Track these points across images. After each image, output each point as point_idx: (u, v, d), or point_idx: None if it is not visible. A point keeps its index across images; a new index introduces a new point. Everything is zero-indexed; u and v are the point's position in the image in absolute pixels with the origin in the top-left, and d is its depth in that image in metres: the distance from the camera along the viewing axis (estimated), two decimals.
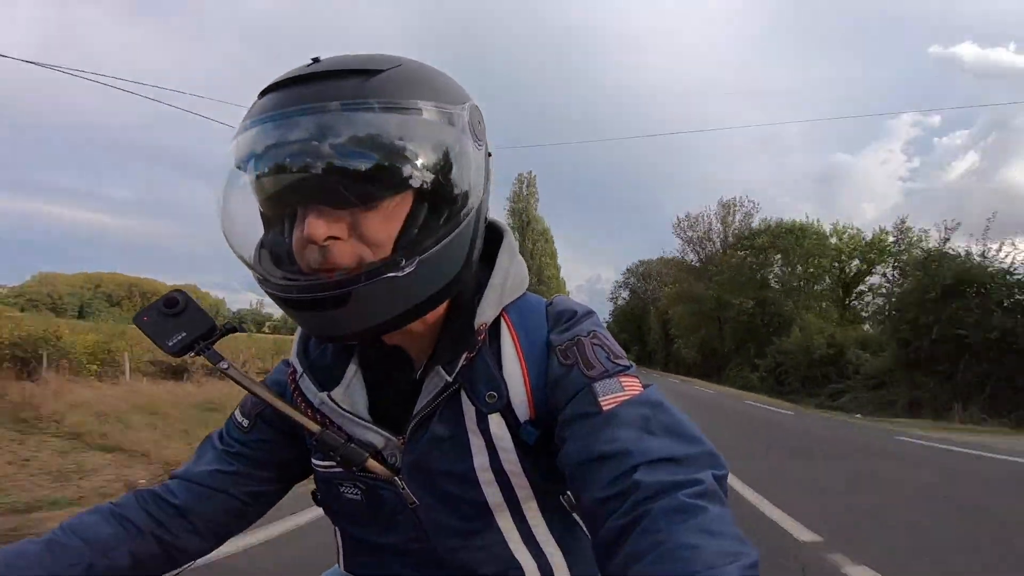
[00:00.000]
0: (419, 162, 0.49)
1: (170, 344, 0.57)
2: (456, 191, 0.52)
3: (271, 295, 0.53)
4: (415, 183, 0.49)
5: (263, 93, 0.51)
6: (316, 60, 0.52)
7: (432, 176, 0.50)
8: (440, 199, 0.51)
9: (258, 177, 0.50)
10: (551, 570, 0.61)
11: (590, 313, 0.61)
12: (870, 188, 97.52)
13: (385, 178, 0.48)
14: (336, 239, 0.49)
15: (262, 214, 0.55)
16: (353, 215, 0.49)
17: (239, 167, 0.51)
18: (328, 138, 0.47)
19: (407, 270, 0.49)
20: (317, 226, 0.48)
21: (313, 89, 0.49)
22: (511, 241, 0.64)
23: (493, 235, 0.63)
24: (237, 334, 0.61)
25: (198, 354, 0.58)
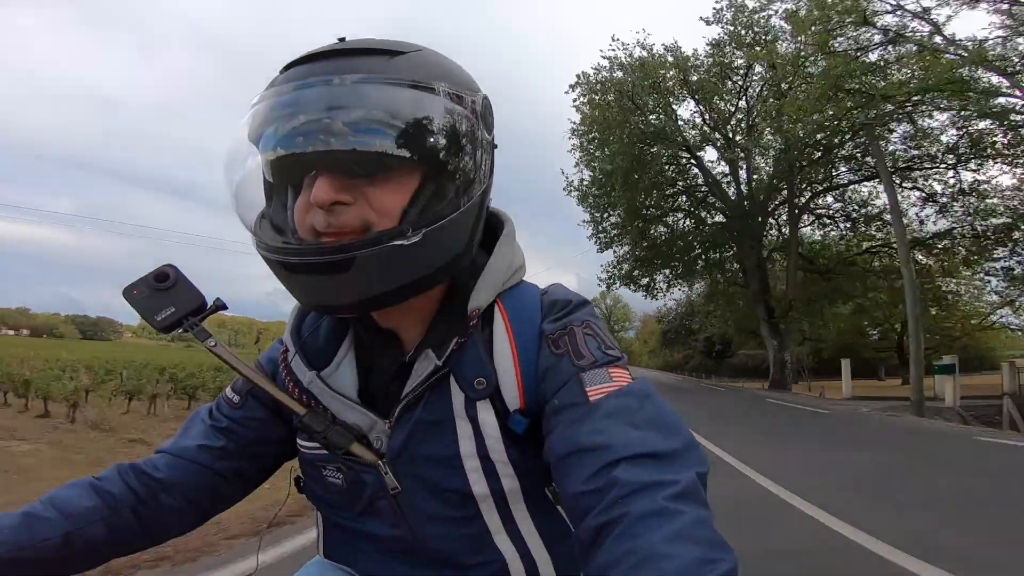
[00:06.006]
0: (432, 139, 0.50)
1: (159, 319, 0.57)
2: (464, 171, 0.52)
3: (268, 259, 0.52)
4: (426, 158, 0.50)
5: (288, 67, 0.52)
6: (342, 40, 0.53)
7: (443, 154, 0.51)
8: (448, 177, 0.52)
9: (274, 142, 0.50)
10: (533, 562, 0.59)
11: (585, 303, 0.60)
12: None
13: (398, 151, 0.49)
14: (343, 204, 0.49)
15: (267, 185, 0.55)
16: (362, 184, 0.49)
17: (253, 135, 0.51)
18: (345, 109, 0.48)
19: (413, 239, 0.49)
20: (324, 190, 0.48)
21: (336, 64, 0.50)
22: (511, 230, 0.64)
23: (493, 224, 0.63)
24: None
25: (186, 331, 0.57)
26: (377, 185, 0.49)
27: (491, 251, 0.60)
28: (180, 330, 0.57)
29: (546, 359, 0.55)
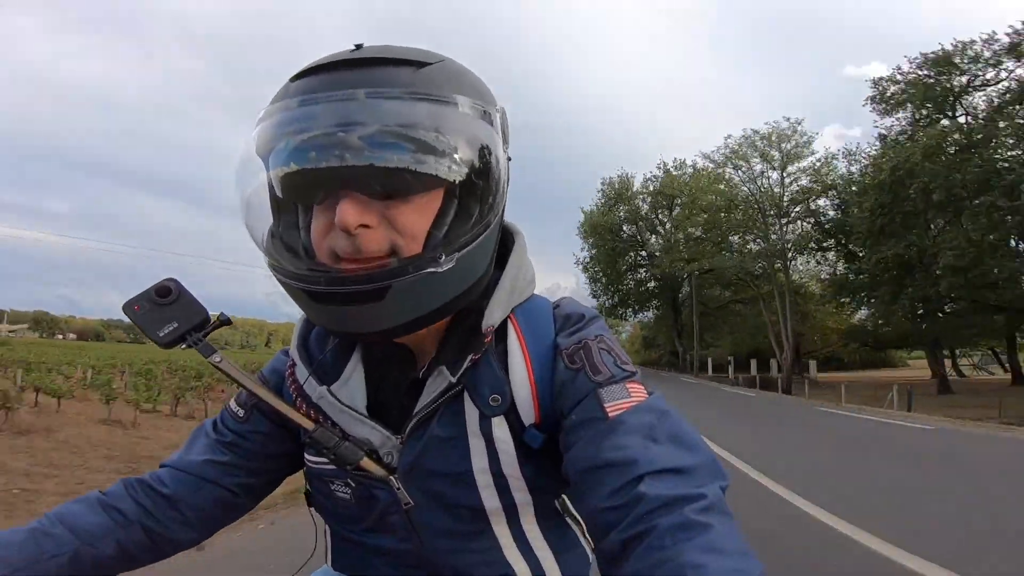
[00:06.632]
0: (458, 157, 0.49)
1: (161, 335, 0.56)
2: (488, 190, 0.51)
3: (294, 287, 0.51)
4: (453, 177, 0.49)
5: (299, 76, 0.50)
6: (359, 47, 0.51)
7: (472, 173, 0.50)
8: (473, 197, 0.51)
9: (291, 158, 0.48)
10: (543, 574, 0.60)
11: (597, 316, 0.61)
12: None
13: (425, 170, 0.47)
14: (367, 227, 0.47)
15: (275, 201, 0.53)
16: (385, 205, 0.48)
17: (264, 148, 0.49)
18: (371, 125, 0.46)
19: (446, 266, 0.49)
20: (351, 213, 0.46)
21: (360, 74, 0.48)
22: (523, 243, 0.63)
23: (503, 238, 0.62)
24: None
25: (190, 346, 0.56)
26: (400, 206, 0.48)
27: (501, 265, 0.60)
28: (183, 345, 0.56)
29: (562, 373, 0.55)
